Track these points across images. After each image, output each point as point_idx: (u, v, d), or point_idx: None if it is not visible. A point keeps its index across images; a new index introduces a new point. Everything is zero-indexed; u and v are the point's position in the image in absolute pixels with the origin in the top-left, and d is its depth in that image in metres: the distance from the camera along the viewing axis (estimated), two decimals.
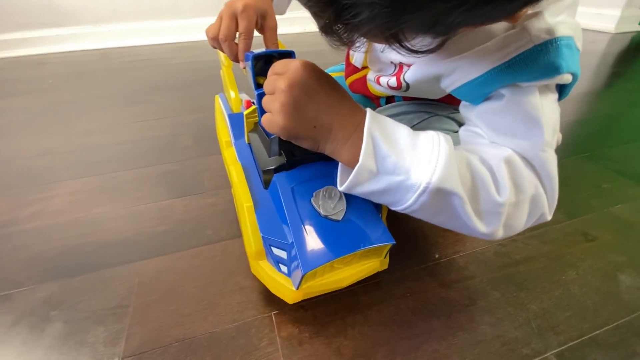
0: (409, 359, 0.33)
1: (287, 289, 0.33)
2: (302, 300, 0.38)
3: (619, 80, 1.12)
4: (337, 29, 0.23)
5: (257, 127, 0.42)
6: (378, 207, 0.37)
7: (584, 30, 1.75)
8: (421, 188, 0.27)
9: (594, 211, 0.52)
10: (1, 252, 0.46)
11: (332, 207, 0.32)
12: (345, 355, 0.33)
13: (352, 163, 0.29)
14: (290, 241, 0.32)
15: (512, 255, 0.44)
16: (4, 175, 0.64)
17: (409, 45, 0.23)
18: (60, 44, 1.54)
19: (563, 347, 0.34)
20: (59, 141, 0.76)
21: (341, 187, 0.30)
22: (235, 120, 0.46)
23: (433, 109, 0.51)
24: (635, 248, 0.45)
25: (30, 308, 0.39)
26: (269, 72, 0.32)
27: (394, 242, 0.32)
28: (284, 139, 0.30)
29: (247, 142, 0.43)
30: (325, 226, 0.32)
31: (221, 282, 0.41)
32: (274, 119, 0.29)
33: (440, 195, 0.27)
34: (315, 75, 0.29)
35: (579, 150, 0.68)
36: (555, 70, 0.27)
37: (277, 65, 0.31)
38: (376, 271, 0.37)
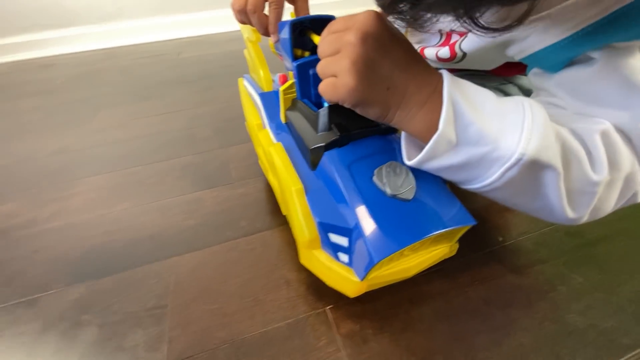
0: (492, 355, 0.29)
1: (348, 280, 0.29)
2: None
3: None
4: (401, 7, 0.20)
5: (295, 104, 0.38)
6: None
7: None
8: (512, 160, 0.22)
9: None
10: (23, 254, 0.43)
11: (399, 185, 0.28)
12: (419, 353, 0.29)
13: (426, 133, 0.24)
14: (352, 225, 0.27)
15: (585, 235, 0.39)
16: (20, 176, 0.61)
17: (483, 23, 0.19)
18: (67, 44, 1.51)
19: None
20: (74, 139, 0.73)
21: (410, 162, 0.26)
22: (268, 99, 0.42)
23: (480, 79, 0.47)
24: None
25: (59, 312, 0.35)
26: (324, 33, 0.27)
27: (476, 223, 0.28)
28: (349, 105, 0.26)
29: (283, 121, 0.39)
30: (394, 207, 0.27)
31: (264, 276, 0.37)
32: (341, 81, 0.25)
33: (533, 169, 0.23)
34: (389, 27, 0.25)
35: None
36: None
37: (337, 23, 0.26)
38: (444, 258, 0.32)
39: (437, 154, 0.25)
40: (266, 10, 0.40)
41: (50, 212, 0.51)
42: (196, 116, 0.79)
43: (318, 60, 0.28)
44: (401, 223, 0.27)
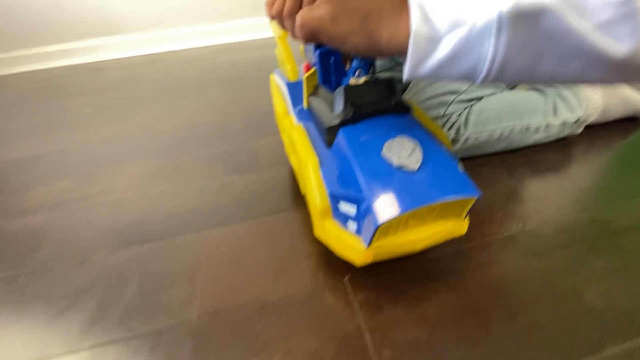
0: (506, 326, 0.29)
1: (355, 249, 0.31)
2: (375, 267, 0.36)
3: None
4: None
5: (316, 90, 0.41)
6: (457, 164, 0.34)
7: None
8: (495, 23, 0.20)
9: None
10: (75, 222, 0.49)
11: (406, 156, 0.30)
12: (432, 322, 0.30)
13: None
14: (360, 193, 0.29)
15: (612, 225, 0.39)
16: (75, 159, 0.68)
17: None
18: (115, 50, 1.65)
19: None
20: (120, 130, 0.80)
21: (406, 75, 0.26)
22: (293, 88, 0.45)
23: None
24: None
25: (106, 271, 0.40)
26: None
27: (480, 195, 0.29)
28: (327, 41, 0.28)
29: (305, 107, 0.42)
30: (400, 176, 0.29)
31: (287, 249, 0.40)
32: (314, 10, 0.27)
33: (526, 22, 0.20)
34: None
35: None
36: None
37: None
38: (453, 236, 0.33)
39: (422, 54, 0.24)
40: None
41: (99, 189, 0.56)
42: (229, 112, 0.85)
43: (337, 50, 0.32)
44: (405, 190, 0.28)
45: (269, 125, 0.70)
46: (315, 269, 0.37)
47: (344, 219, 0.32)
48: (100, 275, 0.39)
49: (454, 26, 0.22)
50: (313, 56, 0.40)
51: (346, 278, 0.35)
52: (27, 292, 0.38)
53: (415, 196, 0.28)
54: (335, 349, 0.29)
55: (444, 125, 0.50)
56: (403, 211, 0.27)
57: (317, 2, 0.29)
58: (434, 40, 0.24)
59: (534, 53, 0.22)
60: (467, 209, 0.32)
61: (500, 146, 0.52)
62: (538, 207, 0.42)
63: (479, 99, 0.52)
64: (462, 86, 0.50)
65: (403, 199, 0.28)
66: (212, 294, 0.35)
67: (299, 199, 0.48)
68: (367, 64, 0.37)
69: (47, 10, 1.57)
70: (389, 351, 0.28)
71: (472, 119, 0.50)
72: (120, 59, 1.63)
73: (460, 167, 0.32)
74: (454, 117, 0.50)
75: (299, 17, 0.29)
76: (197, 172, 0.58)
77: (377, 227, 0.28)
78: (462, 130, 0.50)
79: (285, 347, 0.30)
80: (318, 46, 0.39)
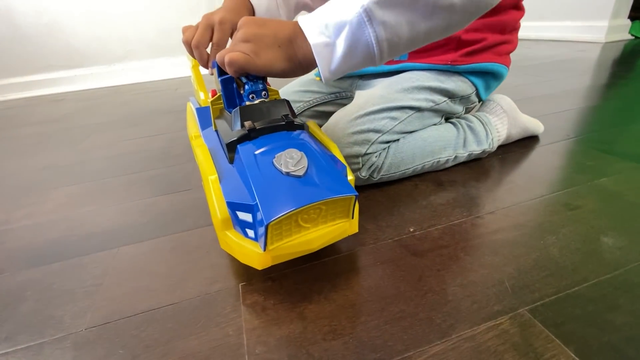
0: (374, 318, 0.32)
1: (255, 253, 0.33)
2: (271, 272, 0.38)
3: (618, 79, 1.12)
4: None
5: (222, 113, 0.44)
6: (342, 171, 0.38)
7: (574, 42, 1.77)
8: (364, 14, 0.29)
9: (577, 184, 0.50)
10: None
11: (293, 165, 0.33)
12: (308, 318, 0.32)
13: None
14: (254, 201, 0.32)
15: (489, 226, 0.43)
16: (5, 187, 0.68)
17: None
18: (77, 83, 1.67)
19: (537, 303, 0.32)
20: (61, 158, 0.81)
21: (323, 77, 0.34)
22: (203, 112, 0.49)
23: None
24: (620, 212, 0.43)
25: (6, 291, 0.40)
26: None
27: (357, 194, 0.32)
28: (256, 71, 0.35)
29: (214, 129, 0.45)
30: (287, 182, 0.32)
31: (194, 261, 0.42)
32: (238, 49, 0.34)
33: (385, 3, 0.29)
34: (257, 19, 0.36)
35: (570, 135, 0.67)
36: None
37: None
38: (346, 234, 0.36)
39: (326, 57, 0.32)
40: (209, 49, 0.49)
41: (23, 214, 0.56)
42: (174, 138, 0.87)
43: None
44: (290, 193, 0.31)
45: None
46: (215, 278, 0.39)
47: (242, 227, 0.34)
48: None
49: (339, 29, 0.31)
50: (219, 85, 0.44)
51: (241, 284, 0.37)
52: None
53: (299, 197, 0.31)
54: (211, 348, 0.30)
55: (363, 165, 0.51)
56: (287, 210, 0.30)
57: (234, 41, 0.35)
58: (330, 45, 0.32)
59: (405, 21, 0.30)
60: (351, 209, 0.35)
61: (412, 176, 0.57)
62: (431, 213, 0.46)
63: (397, 140, 0.53)
64: (386, 126, 0.51)
65: (287, 200, 0.31)
66: (106, 307, 0.36)
67: None
68: (260, 88, 0.41)
69: (8, 43, 1.59)
70: (262, 347, 0.30)
71: (387, 162, 0.51)
72: (81, 90, 1.65)
73: (345, 174, 0.36)
74: (373, 158, 0.51)
75: (226, 57, 0.35)
76: (126, 194, 0.60)
77: (266, 227, 0.30)
78: (375, 174, 0.52)
79: (164, 350, 0.31)
80: (221, 74, 0.43)
